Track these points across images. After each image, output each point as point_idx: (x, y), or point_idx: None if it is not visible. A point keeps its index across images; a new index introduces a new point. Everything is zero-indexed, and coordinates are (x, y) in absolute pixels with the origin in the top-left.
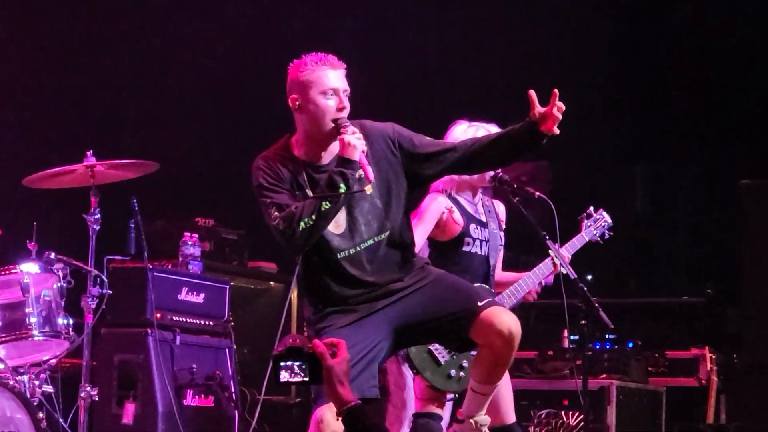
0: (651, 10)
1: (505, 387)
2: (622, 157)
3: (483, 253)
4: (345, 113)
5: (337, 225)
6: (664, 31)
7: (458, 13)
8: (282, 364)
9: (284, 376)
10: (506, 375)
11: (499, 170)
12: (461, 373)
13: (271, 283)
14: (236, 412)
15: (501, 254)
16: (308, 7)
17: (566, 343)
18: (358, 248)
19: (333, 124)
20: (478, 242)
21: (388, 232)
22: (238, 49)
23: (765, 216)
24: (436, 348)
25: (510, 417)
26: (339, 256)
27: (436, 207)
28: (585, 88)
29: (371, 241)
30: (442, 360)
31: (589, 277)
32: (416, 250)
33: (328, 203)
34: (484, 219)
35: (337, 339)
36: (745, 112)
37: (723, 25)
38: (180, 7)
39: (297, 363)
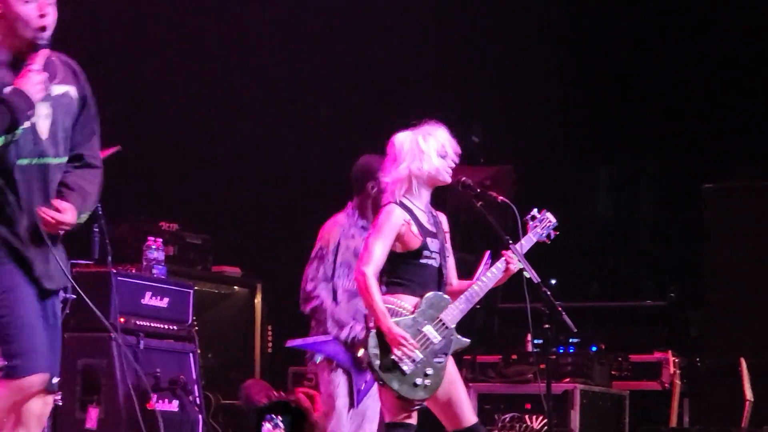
0: (612, 11)
1: (459, 389)
2: (583, 160)
3: (436, 264)
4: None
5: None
6: (626, 31)
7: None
8: (267, 416)
9: (267, 428)
10: (458, 376)
11: (463, 176)
12: (426, 381)
13: (235, 287)
14: (200, 416)
15: (451, 262)
16: None
17: (530, 347)
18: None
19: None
20: (434, 254)
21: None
22: (206, 47)
23: (726, 219)
24: (400, 358)
25: (471, 417)
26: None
27: (395, 220)
28: (545, 90)
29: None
30: (407, 370)
31: (553, 282)
32: (378, 264)
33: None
34: (434, 230)
35: (313, 391)
36: (707, 115)
37: (686, 26)
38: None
39: (281, 418)
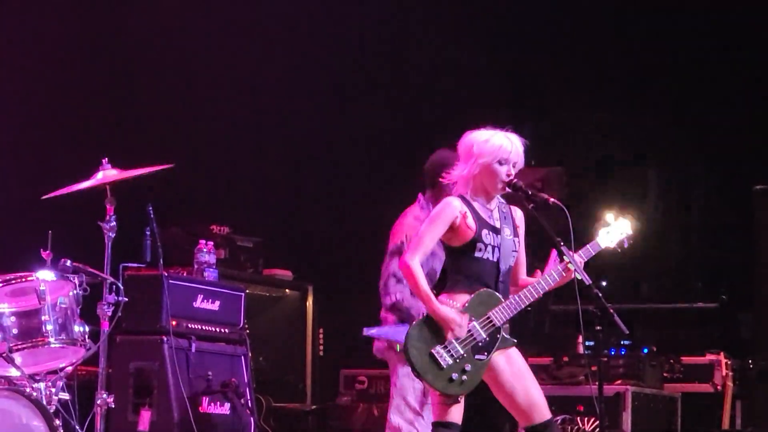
0: (665, 12)
1: (531, 385)
2: (633, 161)
3: (494, 259)
4: None
5: None
6: (680, 32)
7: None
8: None
9: None
10: (529, 372)
11: (513, 176)
12: (464, 377)
13: (287, 290)
14: (252, 419)
15: (522, 258)
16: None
17: (581, 349)
18: None
19: None
20: (490, 248)
21: None
22: (256, 54)
23: None
24: (438, 351)
25: (545, 413)
26: None
27: (449, 211)
28: (596, 92)
29: None
30: (444, 364)
31: (604, 283)
32: (426, 252)
33: None
34: (497, 225)
35: None
36: (758, 116)
37: (740, 25)
38: (194, 8)
39: None
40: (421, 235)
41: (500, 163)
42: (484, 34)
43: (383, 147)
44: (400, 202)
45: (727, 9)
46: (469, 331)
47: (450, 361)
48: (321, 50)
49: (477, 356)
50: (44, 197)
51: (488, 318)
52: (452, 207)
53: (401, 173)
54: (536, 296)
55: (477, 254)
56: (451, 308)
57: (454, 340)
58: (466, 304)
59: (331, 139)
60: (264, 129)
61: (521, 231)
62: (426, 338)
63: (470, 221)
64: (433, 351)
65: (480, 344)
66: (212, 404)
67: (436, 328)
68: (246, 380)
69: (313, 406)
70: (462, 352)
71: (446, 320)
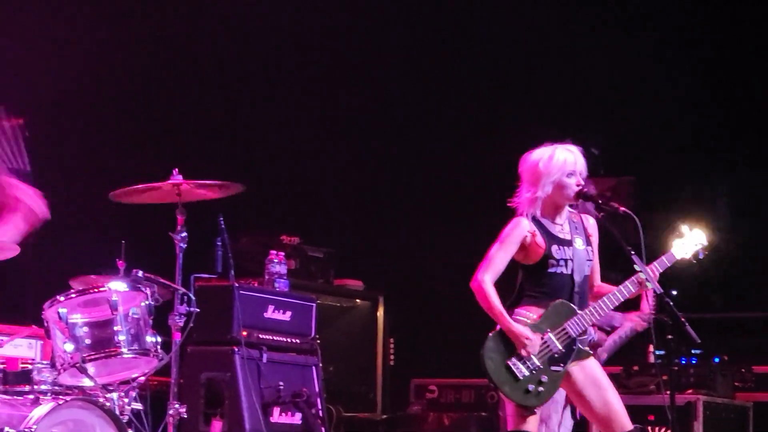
0: (737, 20)
1: (611, 395)
2: (704, 170)
3: (568, 272)
4: None
5: None
6: (750, 41)
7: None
8: None
9: None
10: (609, 382)
11: (583, 186)
12: (540, 388)
13: (357, 300)
14: (323, 429)
15: (596, 266)
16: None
17: (652, 358)
18: None
19: None
20: (562, 262)
21: None
22: (325, 63)
23: None
24: (514, 363)
25: (627, 424)
26: None
27: (518, 231)
28: (666, 102)
29: None
30: (520, 375)
31: (674, 292)
32: (497, 271)
33: None
34: (568, 237)
35: None
36: None
37: None
38: (268, 20)
39: None
40: (492, 255)
41: (568, 176)
42: (553, 44)
43: (456, 155)
44: (470, 212)
45: None
46: (544, 342)
47: (526, 372)
48: (391, 57)
49: (553, 367)
50: (112, 194)
51: (564, 329)
52: (521, 227)
53: (472, 183)
54: (611, 307)
55: (550, 270)
56: (524, 325)
57: (530, 352)
58: (542, 316)
59: (402, 149)
60: (334, 138)
61: (594, 239)
62: (502, 350)
63: (539, 239)
64: (509, 363)
65: (556, 355)
66: (283, 414)
67: (509, 342)
68: (317, 390)
69: (384, 416)
70: (538, 363)
71: (518, 336)
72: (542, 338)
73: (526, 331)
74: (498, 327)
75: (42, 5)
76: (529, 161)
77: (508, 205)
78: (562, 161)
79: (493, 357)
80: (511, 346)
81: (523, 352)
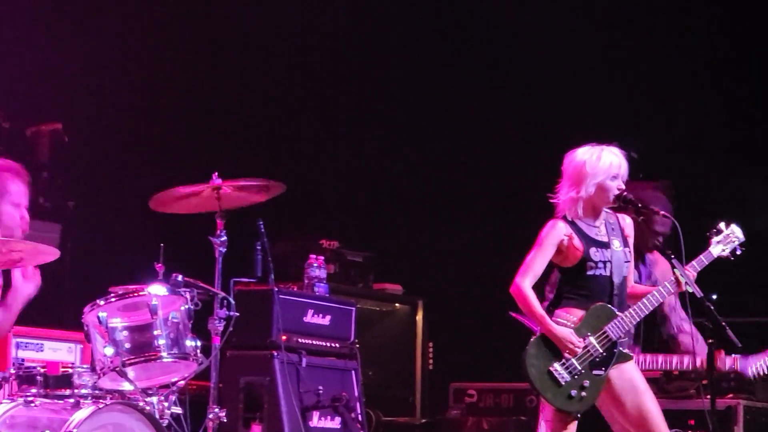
0: None
1: (649, 400)
2: (741, 173)
3: (607, 274)
4: None
5: None
6: None
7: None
8: None
9: None
10: (647, 387)
11: (624, 190)
12: (582, 393)
13: (397, 305)
14: None
15: (631, 266)
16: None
17: None
18: None
19: None
20: (601, 264)
21: None
22: (359, 66)
23: None
24: (556, 369)
25: (663, 430)
26: None
27: (555, 234)
28: (704, 105)
29: None
30: (562, 381)
31: (715, 296)
32: (536, 275)
33: None
34: (605, 240)
35: None
36: None
37: None
38: (306, 23)
39: None
40: (530, 259)
41: (612, 179)
42: (593, 47)
43: (497, 160)
44: (509, 217)
45: None
46: (585, 346)
47: (568, 378)
48: (426, 62)
49: (595, 372)
50: (152, 201)
51: (604, 332)
52: (557, 230)
53: (512, 188)
54: (650, 309)
55: (589, 272)
56: (567, 328)
57: (572, 357)
58: (581, 320)
59: (441, 152)
60: (374, 142)
61: (631, 240)
62: (544, 355)
63: (576, 242)
64: (551, 368)
65: (597, 359)
66: (323, 418)
67: (551, 347)
68: (356, 394)
69: (423, 420)
70: (580, 368)
71: (562, 339)
72: (583, 342)
73: (570, 335)
74: (538, 332)
75: (79, 10)
76: (575, 160)
77: (549, 201)
78: (608, 164)
79: (535, 363)
80: (553, 351)
81: (567, 355)
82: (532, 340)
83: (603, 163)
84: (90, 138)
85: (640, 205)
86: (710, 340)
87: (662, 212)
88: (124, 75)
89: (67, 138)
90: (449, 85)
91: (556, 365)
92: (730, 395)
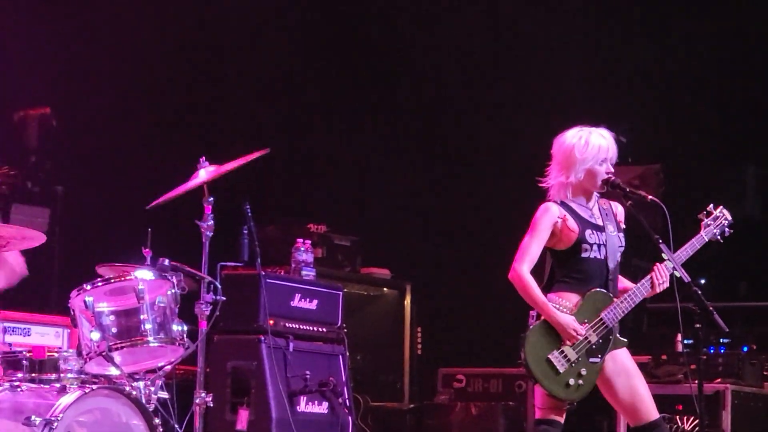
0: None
1: (640, 383)
2: (731, 158)
3: (601, 257)
4: None
5: None
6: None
7: None
8: None
9: None
10: (637, 371)
11: (611, 175)
12: (580, 381)
13: (385, 289)
14: (350, 418)
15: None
16: None
17: (680, 348)
18: None
19: None
20: (595, 247)
21: None
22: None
23: None
24: (555, 356)
25: (653, 413)
26: None
27: (549, 217)
28: (692, 89)
29: None
30: (560, 368)
31: (702, 281)
32: (533, 260)
33: None
34: (600, 223)
35: None
36: None
37: None
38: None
39: None
40: (526, 244)
41: (600, 163)
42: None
43: (484, 144)
44: (498, 201)
45: None
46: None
47: (566, 366)
48: (420, 51)
49: (591, 359)
50: (148, 207)
51: (600, 320)
52: (551, 212)
53: (496, 171)
54: (645, 295)
55: (584, 255)
56: (568, 314)
57: (569, 345)
58: (578, 306)
59: (427, 137)
60: (361, 125)
61: (622, 226)
62: (543, 344)
63: (571, 224)
64: (549, 356)
65: (594, 347)
66: (310, 403)
67: (551, 334)
68: (344, 379)
69: (411, 405)
70: (577, 356)
71: (565, 327)
72: (584, 329)
73: (573, 322)
74: (533, 319)
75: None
76: (563, 145)
77: (539, 185)
78: (596, 148)
79: (533, 351)
80: (551, 339)
81: (568, 341)
82: (531, 328)
83: (591, 147)
84: (79, 123)
85: (628, 189)
86: (697, 325)
87: (650, 197)
88: (112, 59)
89: (56, 122)
90: (441, 74)
91: (555, 353)
92: (719, 380)
